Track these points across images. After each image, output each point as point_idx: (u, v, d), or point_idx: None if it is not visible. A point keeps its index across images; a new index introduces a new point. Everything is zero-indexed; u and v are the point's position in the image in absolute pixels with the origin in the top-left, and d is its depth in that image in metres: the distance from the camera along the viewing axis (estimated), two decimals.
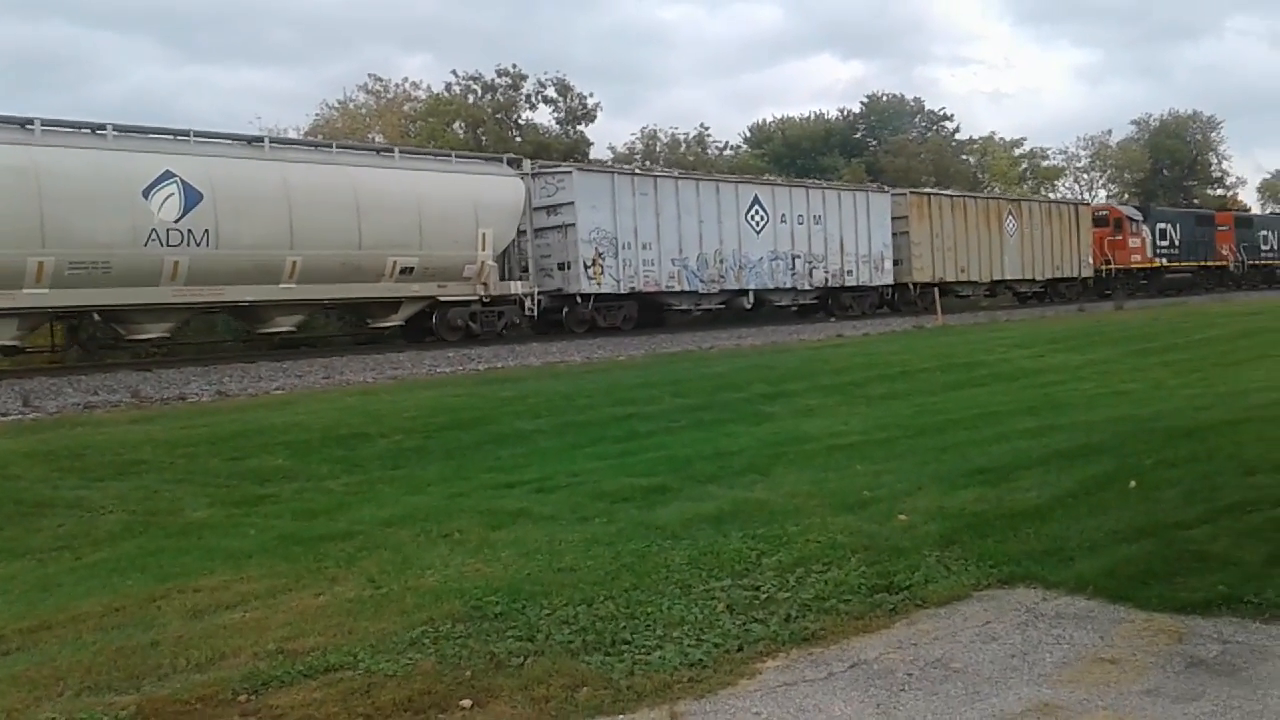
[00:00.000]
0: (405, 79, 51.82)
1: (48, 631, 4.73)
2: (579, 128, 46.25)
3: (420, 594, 4.94)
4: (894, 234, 32.73)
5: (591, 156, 43.10)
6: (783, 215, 29.45)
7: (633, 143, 52.12)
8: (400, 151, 23.17)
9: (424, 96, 44.55)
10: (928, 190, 38.09)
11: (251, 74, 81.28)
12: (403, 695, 3.78)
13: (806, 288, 30.41)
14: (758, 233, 28.73)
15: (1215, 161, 79.82)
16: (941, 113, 67.95)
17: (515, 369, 17.32)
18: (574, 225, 24.55)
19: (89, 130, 18.03)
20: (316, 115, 43.52)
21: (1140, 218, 43.60)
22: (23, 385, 14.71)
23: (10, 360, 18.91)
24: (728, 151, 55.93)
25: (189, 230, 18.19)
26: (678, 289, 26.89)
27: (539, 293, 24.18)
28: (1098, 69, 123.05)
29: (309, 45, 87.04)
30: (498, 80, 44.32)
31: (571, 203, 24.60)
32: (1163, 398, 11.15)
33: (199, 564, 5.82)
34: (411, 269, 21.34)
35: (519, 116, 45.22)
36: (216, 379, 15.86)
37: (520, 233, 23.82)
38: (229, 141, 20.26)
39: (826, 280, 30.78)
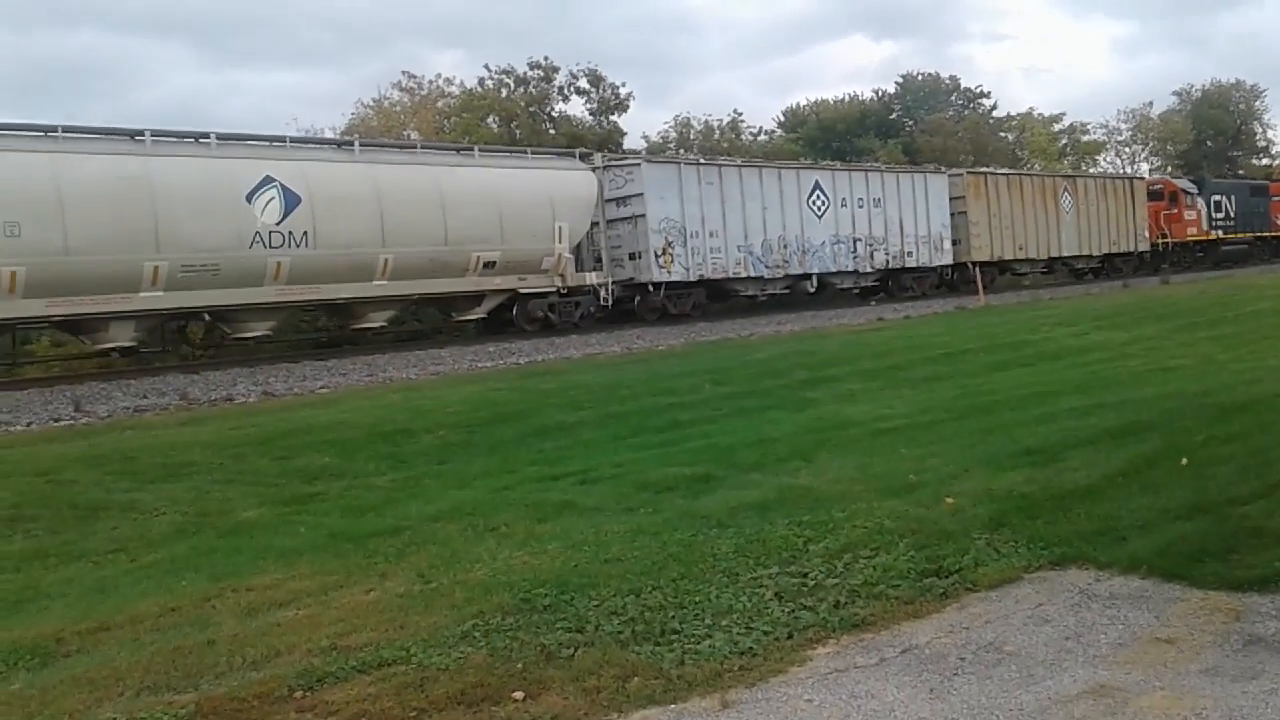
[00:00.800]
0: (439, 75, 51.92)
1: (106, 633, 4.81)
2: (612, 118, 46.23)
3: (470, 587, 4.97)
4: (952, 214, 33.08)
5: (625, 146, 43.05)
6: (843, 200, 29.93)
7: (666, 131, 51.99)
8: (480, 150, 24.02)
9: (457, 92, 44.73)
10: (984, 170, 38.22)
11: (286, 76, 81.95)
12: (455, 688, 3.81)
13: (868, 270, 30.85)
14: (819, 217, 29.21)
15: (1260, 131, 78.25)
16: (978, 90, 67.05)
17: (556, 362, 17.38)
18: (644, 216, 25.18)
19: (192, 139, 18.96)
20: (352, 114, 43.86)
21: (1195, 190, 43.12)
22: (74, 390, 14.97)
23: (61, 366, 19.28)
24: (762, 136, 55.63)
25: (289, 232, 19.06)
26: (744, 275, 27.48)
27: (611, 282, 24.92)
28: (1134, 40, 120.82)
29: (342, 46, 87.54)
30: (530, 73, 44.37)
31: (641, 194, 25.25)
32: (1212, 373, 10.97)
33: (251, 563, 5.89)
34: (494, 263, 22.14)
35: (552, 109, 45.26)
36: (262, 380, 16.06)
37: (594, 225, 24.58)
38: (322, 145, 21.69)
39: (887, 262, 31.19)
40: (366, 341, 22.55)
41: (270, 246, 18.78)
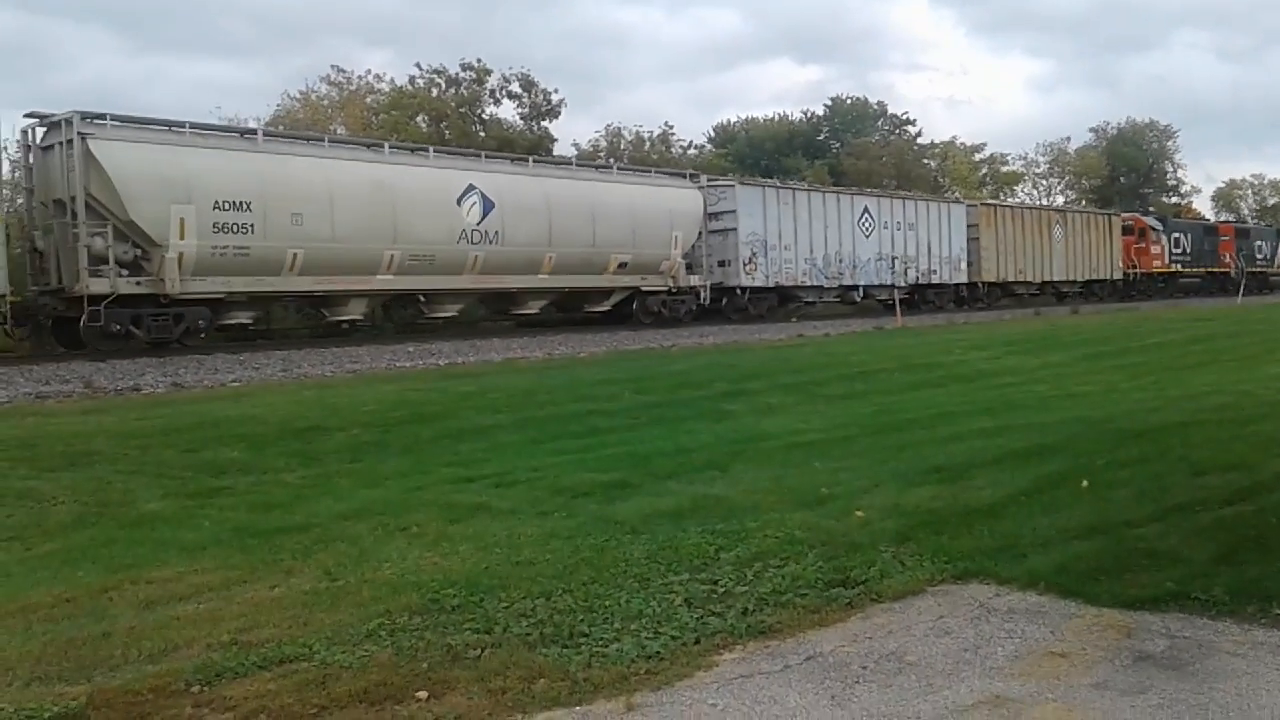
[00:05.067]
0: (369, 71, 51.37)
1: None
2: (543, 124, 46.15)
3: (377, 586, 4.92)
4: (967, 240, 37.75)
5: (555, 153, 43.00)
6: (885, 222, 34.67)
7: (597, 140, 52.05)
8: (618, 168, 29.21)
9: (387, 89, 44.26)
10: (995, 202, 44.16)
11: (210, 66, 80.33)
12: (358, 687, 3.76)
13: (902, 284, 34.95)
14: (867, 237, 33.93)
15: (1171, 170, 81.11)
16: (904, 117, 68.48)
17: (476, 365, 17.27)
18: (735, 230, 29.79)
19: (409, 150, 23.91)
20: (278, 106, 43.17)
21: (1160, 228, 47.34)
22: None
23: None
24: (691, 150, 55.99)
25: (485, 231, 23.42)
26: (808, 284, 32.22)
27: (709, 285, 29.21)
28: (1050, 78, 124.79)
29: (268, 38, 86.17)
30: (462, 74, 44.10)
31: (734, 210, 29.82)
32: (1115, 400, 11.31)
33: (152, 555, 5.74)
34: (626, 264, 26.68)
35: (483, 111, 45.02)
36: (172, 371, 15.67)
37: (698, 235, 28.71)
38: (506, 160, 26.20)
39: (917, 278, 35.76)
40: (283, 336, 22.36)
41: (471, 242, 23.10)
